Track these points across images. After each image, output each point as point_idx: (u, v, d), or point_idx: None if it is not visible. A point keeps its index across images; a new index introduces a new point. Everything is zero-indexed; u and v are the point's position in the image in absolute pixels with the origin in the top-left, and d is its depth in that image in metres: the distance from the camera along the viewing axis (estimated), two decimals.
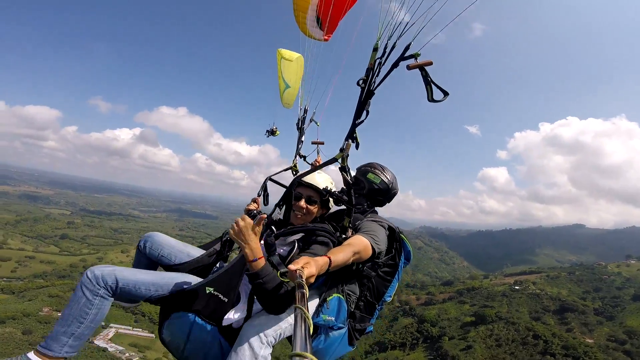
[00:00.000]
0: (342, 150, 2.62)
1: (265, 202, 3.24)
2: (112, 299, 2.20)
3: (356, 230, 2.77)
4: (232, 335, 2.25)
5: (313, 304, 2.54)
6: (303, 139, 4.25)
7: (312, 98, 4.45)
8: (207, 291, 2.25)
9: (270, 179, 3.25)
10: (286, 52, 7.73)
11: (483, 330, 64.04)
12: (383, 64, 2.61)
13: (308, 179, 2.80)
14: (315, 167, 3.02)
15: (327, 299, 2.60)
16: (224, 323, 2.27)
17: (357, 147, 2.66)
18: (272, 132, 9.16)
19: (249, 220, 2.17)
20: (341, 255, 2.18)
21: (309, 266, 1.75)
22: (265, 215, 2.29)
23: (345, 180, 2.73)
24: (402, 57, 2.64)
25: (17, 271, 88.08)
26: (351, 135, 2.59)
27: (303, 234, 2.62)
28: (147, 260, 2.79)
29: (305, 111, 4.46)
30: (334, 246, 2.58)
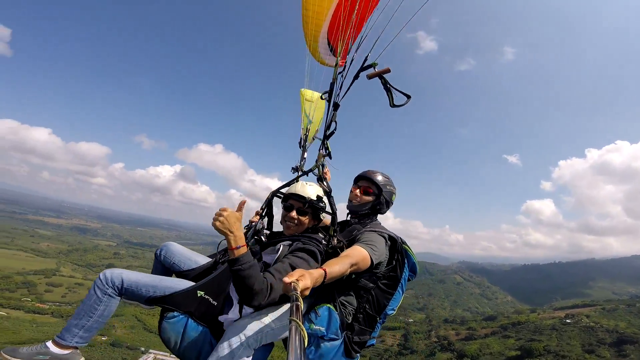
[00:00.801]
0: (316, 161, 2.97)
1: (265, 216, 3.16)
2: (119, 297, 2.46)
3: (355, 241, 2.78)
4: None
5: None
6: (305, 155, 4.25)
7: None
8: (199, 294, 2.46)
9: (275, 193, 3.10)
10: (307, 92, 8.54)
11: None
12: (345, 77, 2.96)
13: (299, 190, 2.87)
14: (294, 179, 3.15)
15: (316, 308, 2.62)
16: (221, 320, 2.43)
17: (329, 157, 3.04)
18: (297, 169, 10.22)
19: (230, 210, 2.13)
20: (337, 267, 2.16)
21: (303, 279, 1.73)
22: (246, 200, 2.37)
23: (323, 190, 2.93)
24: (362, 68, 3.03)
25: (67, 296, 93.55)
26: (323, 146, 2.97)
27: (291, 242, 2.65)
28: (162, 266, 3.01)
29: (307, 130, 4.50)
30: (321, 255, 2.60)
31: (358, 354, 2.81)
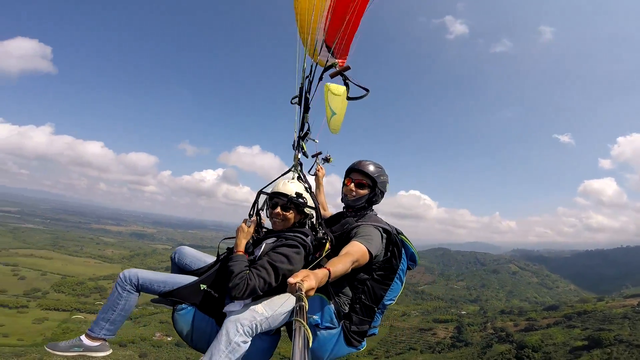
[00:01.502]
0: (299, 161, 3.15)
1: (255, 216, 3.22)
2: (137, 293, 2.82)
3: (349, 234, 2.82)
4: None
5: (293, 300, 2.51)
6: (300, 156, 4.37)
7: (310, 116, 4.39)
8: (202, 287, 2.72)
9: (260, 192, 3.17)
10: (333, 87, 8.53)
11: (598, 354, 55.07)
12: (312, 81, 3.14)
13: (280, 188, 3.03)
14: (276, 179, 3.24)
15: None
16: (224, 311, 2.62)
17: (305, 155, 3.22)
18: (326, 160, 10.46)
19: (244, 225, 2.88)
20: (340, 265, 2.21)
21: (308, 279, 1.75)
22: (255, 219, 3.01)
23: (304, 186, 3.07)
24: (324, 70, 3.23)
25: None
26: (298, 146, 3.14)
27: (275, 239, 2.85)
28: (177, 268, 3.24)
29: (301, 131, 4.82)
30: (307, 248, 2.75)
31: (363, 343, 2.88)
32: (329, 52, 4.66)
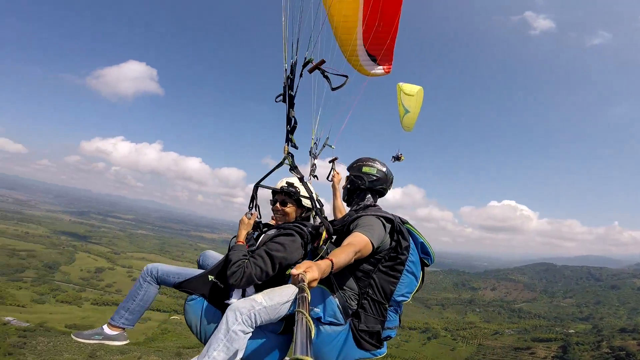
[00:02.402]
0: (289, 153, 3.23)
1: (258, 214, 3.27)
2: (157, 285, 2.97)
3: (349, 225, 2.75)
4: None
5: (293, 290, 2.53)
6: (316, 162, 4.44)
7: (324, 123, 4.55)
8: (210, 278, 2.78)
9: (257, 186, 3.22)
10: (406, 87, 8.55)
11: None
12: (293, 78, 3.26)
13: (276, 186, 3.13)
14: (270, 171, 3.27)
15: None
16: (228, 302, 2.64)
17: (295, 147, 3.28)
18: (397, 158, 9.68)
19: (245, 217, 3.01)
20: (343, 256, 2.17)
21: (311, 270, 1.74)
22: (256, 214, 3.11)
23: (297, 177, 3.12)
24: (303, 66, 3.33)
25: None
26: (287, 140, 3.24)
27: (275, 229, 2.92)
28: (202, 269, 3.34)
29: (318, 139, 4.61)
30: (305, 237, 2.76)
31: (382, 349, 2.69)
32: (371, 60, 4.91)
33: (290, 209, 3.04)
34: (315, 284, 1.74)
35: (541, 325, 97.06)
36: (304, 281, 1.61)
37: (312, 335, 1.17)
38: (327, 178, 4.41)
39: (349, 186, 3.18)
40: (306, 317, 1.22)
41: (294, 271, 1.71)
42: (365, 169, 3.13)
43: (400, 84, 8.77)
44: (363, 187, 3.10)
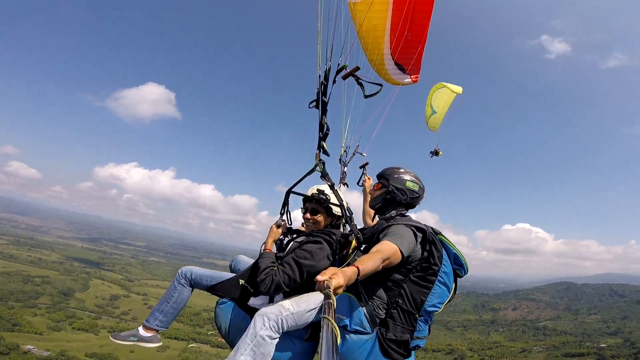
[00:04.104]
0: (320, 160, 3.22)
1: (289, 221, 3.27)
2: (190, 288, 3.03)
3: (379, 235, 2.72)
4: None
5: (320, 298, 2.51)
6: (346, 169, 4.45)
7: (354, 131, 4.60)
8: (240, 282, 2.82)
9: (289, 192, 3.21)
10: (452, 86, 8.67)
11: None
12: (327, 84, 3.27)
13: (308, 192, 3.13)
14: (302, 178, 3.23)
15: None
16: (250, 304, 2.72)
17: (327, 154, 3.27)
18: (435, 153, 9.73)
19: (274, 225, 3.05)
20: (369, 263, 2.13)
21: (336, 277, 1.73)
22: (285, 224, 3.14)
23: (328, 184, 3.10)
24: (336, 73, 3.37)
25: None
26: (319, 147, 3.23)
27: (304, 237, 2.91)
28: (234, 273, 3.37)
29: (348, 147, 4.58)
30: (333, 245, 2.69)
31: (409, 358, 2.60)
32: (399, 69, 4.95)
33: (320, 217, 3.02)
34: (341, 290, 1.73)
35: (569, 341, 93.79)
36: (329, 288, 1.60)
37: (338, 342, 1.16)
38: (358, 183, 4.43)
39: (388, 197, 3.05)
40: (332, 324, 1.21)
41: (319, 277, 1.70)
42: (409, 185, 3.05)
43: (444, 83, 8.96)
44: (403, 202, 3.03)
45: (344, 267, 2.32)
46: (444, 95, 8.74)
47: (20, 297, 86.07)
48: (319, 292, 2.41)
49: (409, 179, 3.08)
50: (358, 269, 1.99)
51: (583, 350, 77.95)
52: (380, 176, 3.20)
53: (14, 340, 60.18)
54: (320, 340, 1.15)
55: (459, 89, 8.54)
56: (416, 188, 3.07)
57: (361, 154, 4.60)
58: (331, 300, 1.45)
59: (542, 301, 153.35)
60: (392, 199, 3.04)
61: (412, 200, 3.05)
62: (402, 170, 3.13)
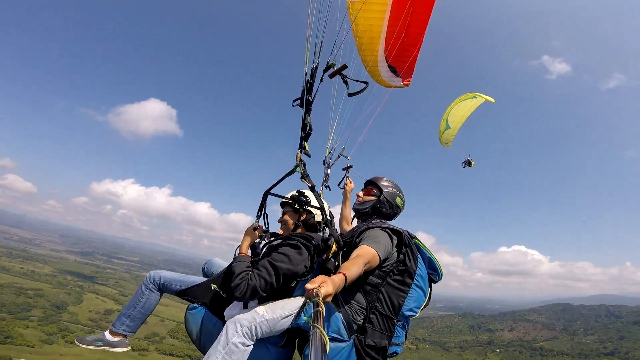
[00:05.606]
0: (301, 161, 3.07)
1: (266, 224, 3.09)
2: (159, 293, 2.94)
3: (356, 238, 2.75)
4: None
5: (296, 304, 2.48)
6: (329, 172, 4.32)
7: (341, 133, 4.50)
8: (212, 287, 2.73)
9: (267, 194, 3.05)
10: (483, 96, 8.73)
11: None
12: (313, 82, 3.17)
13: (286, 197, 3.08)
14: (281, 179, 3.11)
15: (308, 301, 2.46)
16: (225, 315, 2.58)
17: (308, 155, 3.12)
18: (468, 163, 9.96)
19: (250, 228, 2.91)
20: (354, 269, 2.16)
21: (325, 285, 1.72)
22: (261, 225, 2.96)
23: (308, 186, 3.03)
24: (324, 71, 3.29)
25: None
26: (300, 147, 3.09)
27: (280, 240, 2.78)
28: (206, 277, 3.28)
29: (333, 149, 4.49)
30: (310, 248, 2.62)
31: None
32: (393, 72, 4.86)
33: (286, 216, 3.02)
34: (329, 299, 1.73)
35: None
36: (318, 296, 1.60)
37: (327, 350, 1.15)
38: (339, 185, 4.33)
39: (377, 205, 3.16)
40: (321, 332, 1.21)
41: (308, 286, 1.68)
42: (397, 201, 3.21)
43: (475, 93, 8.98)
44: (387, 214, 3.19)
45: (322, 269, 2.59)
46: (463, 109, 8.78)
47: (12, 309, 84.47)
48: (294, 298, 2.55)
49: (399, 195, 3.23)
50: (345, 276, 2.00)
51: None
52: (373, 184, 3.26)
53: (6, 353, 58.41)
54: (310, 349, 1.16)
55: (491, 99, 8.63)
56: (401, 205, 3.25)
57: (346, 157, 4.50)
58: (320, 309, 1.45)
59: (539, 322, 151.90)
60: (379, 209, 3.16)
61: (394, 215, 3.23)
62: (393, 184, 3.25)
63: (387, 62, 4.73)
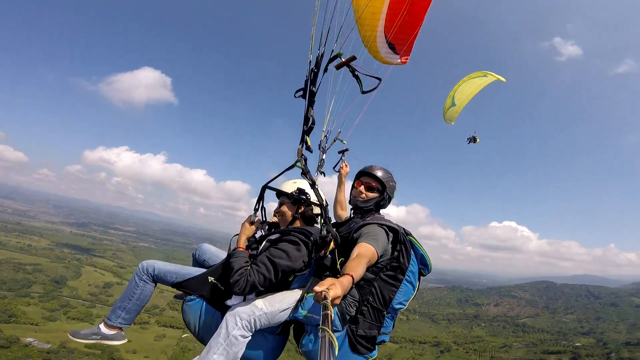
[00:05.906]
0: (302, 156, 2.96)
1: (263, 217, 3.15)
2: (153, 284, 2.88)
3: (354, 234, 2.80)
4: None
5: (294, 298, 2.59)
6: (324, 157, 4.11)
7: (337, 116, 4.27)
8: (209, 280, 2.72)
9: (265, 187, 3.05)
10: (494, 75, 8.34)
11: None
12: (317, 72, 2.94)
13: (283, 186, 3.05)
14: (280, 173, 3.08)
15: (306, 295, 2.60)
16: (229, 306, 2.60)
17: (309, 150, 2.99)
18: (473, 140, 9.81)
19: (247, 222, 2.89)
20: (360, 269, 2.21)
21: (334, 287, 1.73)
22: (259, 220, 2.97)
23: (308, 182, 2.94)
24: (330, 60, 3.08)
25: None
26: (302, 141, 2.95)
27: (279, 235, 2.77)
28: (197, 263, 3.28)
29: (329, 132, 4.34)
30: (309, 245, 2.65)
31: (373, 352, 2.77)
32: (391, 49, 4.71)
33: (284, 208, 3.00)
34: (338, 301, 1.73)
35: (546, 339, 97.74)
36: (327, 298, 1.61)
37: (336, 353, 1.19)
38: (334, 168, 4.28)
39: (381, 203, 3.19)
40: (330, 335, 1.21)
41: (317, 288, 1.68)
42: (395, 192, 3.27)
43: (486, 71, 8.66)
44: (384, 206, 3.26)
45: (318, 266, 2.65)
46: (471, 86, 8.56)
47: (12, 286, 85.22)
48: (292, 291, 2.64)
49: (396, 187, 3.26)
50: (352, 277, 2.03)
51: (560, 349, 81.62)
52: (377, 179, 3.18)
53: (12, 332, 59.90)
54: (319, 352, 1.17)
55: (502, 78, 8.43)
56: (394, 195, 3.29)
57: (342, 141, 4.39)
58: (328, 312, 1.45)
59: (523, 299, 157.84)
60: (382, 205, 3.21)
61: (388, 204, 3.28)
62: (390, 175, 3.24)
63: (386, 38, 4.62)
